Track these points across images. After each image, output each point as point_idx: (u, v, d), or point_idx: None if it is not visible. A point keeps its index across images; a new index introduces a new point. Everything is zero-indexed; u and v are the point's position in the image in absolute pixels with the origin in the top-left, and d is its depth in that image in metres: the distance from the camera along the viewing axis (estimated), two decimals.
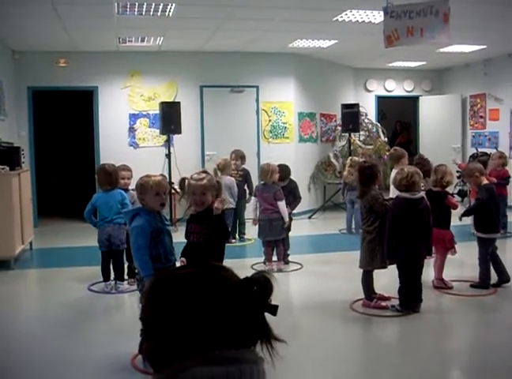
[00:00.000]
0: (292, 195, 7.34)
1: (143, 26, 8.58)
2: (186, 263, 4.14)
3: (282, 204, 6.93)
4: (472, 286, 6.04)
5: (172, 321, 1.22)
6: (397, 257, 5.24)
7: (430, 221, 5.26)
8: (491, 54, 11.80)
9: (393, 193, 6.11)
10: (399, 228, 5.19)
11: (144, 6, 7.36)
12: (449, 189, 6.70)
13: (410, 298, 5.28)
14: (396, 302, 5.37)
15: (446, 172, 6.10)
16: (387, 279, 5.40)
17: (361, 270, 5.53)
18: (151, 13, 7.69)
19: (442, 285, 6.06)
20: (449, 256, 6.08)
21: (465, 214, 6.22)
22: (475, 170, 6.18)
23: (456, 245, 6.05)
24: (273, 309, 1.26)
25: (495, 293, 5.88)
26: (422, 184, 6.71)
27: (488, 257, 6.00)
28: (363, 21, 8.37)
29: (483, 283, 5.98)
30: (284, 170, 7.24)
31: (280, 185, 7.08)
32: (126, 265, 6.33)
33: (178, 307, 1.22)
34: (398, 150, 7.71)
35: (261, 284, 1.26)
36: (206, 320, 1.21)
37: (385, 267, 5.39)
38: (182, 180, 4.37)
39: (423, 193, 5.46)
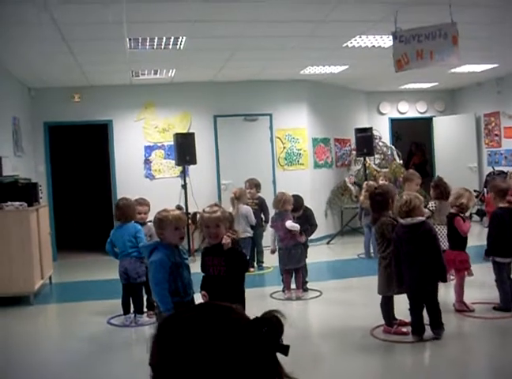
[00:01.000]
0: (308, 223, 7.33)
1: (155, 59, 8.70)
2: (208, 296, 4.13)
3: (288, 222, 6.92)
4: (494, 308, 5.96)
5: (183, 366, 1.16)
6: (404, 283, 5.19)
7: (436, 245, 5.16)
8: (503, 72, 11.79)
9: None
10: (401, 254, 5.15)
11: (156, 40, 7.48)
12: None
13: (420, 324, 5.21)
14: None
15: (463, 195, 6.03)
16: (406, 305, 5.34)
17: (380, 295, 5.49)
18: (162, 47, 7.81)
19: (463, 308, 5.97)
20: (468, 277, 6.02)
21: (487, 253, 6.11)
22: (492, 189, 6.17)
23: (471, 267, 5.98)
24: (285, 349, 1.23)
25: None
26: (432, 205, 6.68)
27: (504, 279, 5.92)
28: (373, 46, 8.42)
29: (503, 305, 5.90)
30: (297, 200, 7.20)
31: (294, 215, 7.09)
32: (145, 298, 6.35)
33: (187, 351, 1.17)
34: (410, 172, 7.72)
35: (272, 324, 1.23)
36: (218, 363, 1.16)
37: (403, 292, 5.33)
38: (194, 214, 4.40)
39: (424, 217, 5.40)
